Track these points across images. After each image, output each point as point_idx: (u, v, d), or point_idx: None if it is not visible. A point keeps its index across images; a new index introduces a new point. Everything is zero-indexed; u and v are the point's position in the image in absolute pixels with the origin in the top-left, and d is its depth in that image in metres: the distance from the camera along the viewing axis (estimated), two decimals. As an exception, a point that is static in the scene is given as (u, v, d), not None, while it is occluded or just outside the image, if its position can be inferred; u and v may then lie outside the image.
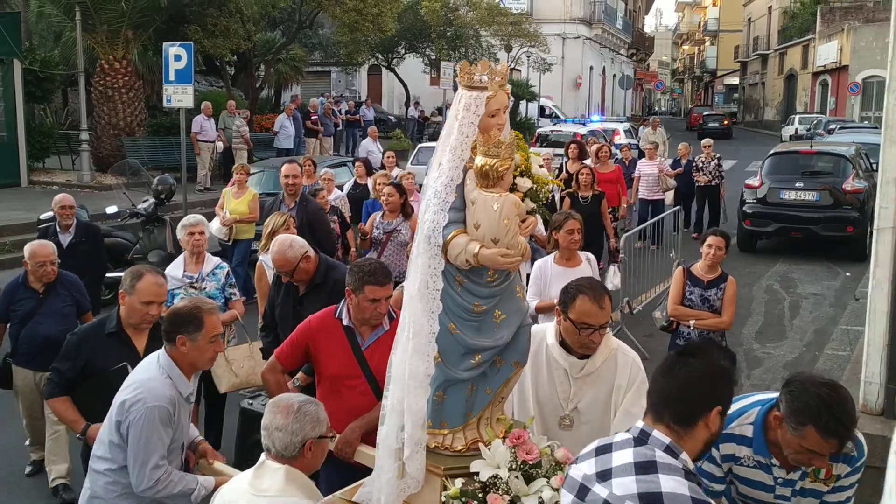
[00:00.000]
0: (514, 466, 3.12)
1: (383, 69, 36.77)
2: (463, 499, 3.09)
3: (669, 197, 14.80)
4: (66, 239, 7.75)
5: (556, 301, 5.12)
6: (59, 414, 4.49)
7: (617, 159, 15.41)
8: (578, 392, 3.52)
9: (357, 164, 11.86)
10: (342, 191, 11.08)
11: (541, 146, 21.79)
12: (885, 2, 38.54)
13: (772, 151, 15.88)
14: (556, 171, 12.70)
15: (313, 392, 4.27)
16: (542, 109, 36.08)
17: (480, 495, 3.09)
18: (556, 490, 3.01)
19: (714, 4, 77.39)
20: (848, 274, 12.97)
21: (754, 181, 14.66)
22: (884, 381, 5.53)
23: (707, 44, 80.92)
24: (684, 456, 2.30)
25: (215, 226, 10.09)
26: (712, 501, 2.22)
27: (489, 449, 3.17)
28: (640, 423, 2.38)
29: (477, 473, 3.14)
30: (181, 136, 15.36)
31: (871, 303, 5.57)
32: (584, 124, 27.11)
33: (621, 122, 31.33)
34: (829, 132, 28.62)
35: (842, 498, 3.10)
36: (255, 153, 20.84)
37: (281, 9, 25.44)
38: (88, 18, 19.67)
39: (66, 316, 5.84)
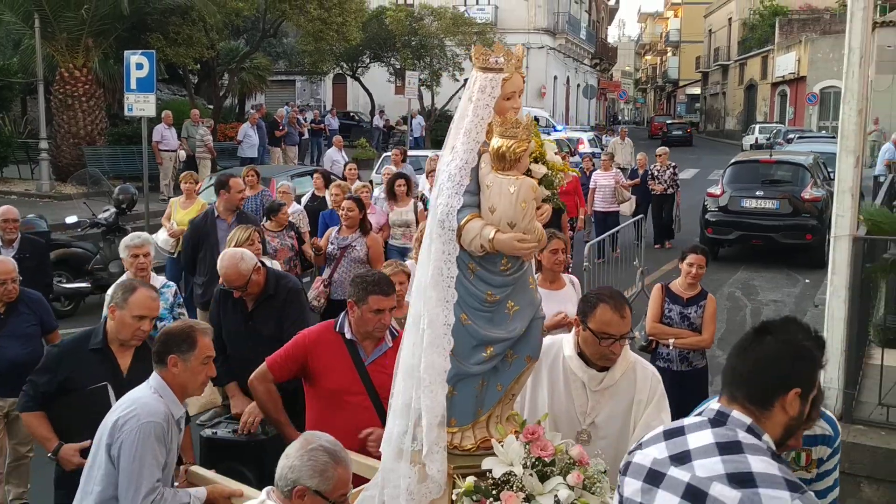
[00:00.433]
0: (528, 464, 2.99)
1: (348, 78, 36.71)
2: (476, 495, 2.96)
3: (625, 208, 14.66)
4: (8, 254, 6.97)
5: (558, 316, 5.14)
6: (32, 429, 4.23)
7: (579, 168, 15.43)
8: (596, 406, 3.40)
9: (315, 175, 11.51)
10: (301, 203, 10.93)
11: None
12: (840, 14, 39.33)
13: (733, 160, 16.10)
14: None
15: (302, 409, 4.18)
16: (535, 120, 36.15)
17: (495, 492, 2.95)
18: (573, 488, 2.94)
19: (675, 16, 78.45)
20: (807, 281, 13.18)
21: (716, 190, 14.85)
22: (842, 386, 5.63)
23: (669, 54, 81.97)
24: (767, 437, 2.16)
25: (162, 237, 9.70)
26: (803, 484, 2.07)
27: (502, 445, 3.04)
28: (714, 405, 2.25)
29: (489, 472, 3.00)
30: (143, 145, 15.18)
31: (828, 309, 5.67)
32: (548, 133, 27.27)
33: (585, 131, 31.55)
34: (788, 141, 29.13)
35: (829, 483, 3.06)
36: (218, 162, 20.68)
37: (244, 17, 25.32)
38: (48, 26, 19.40)
39: (31, 337, 5.44)
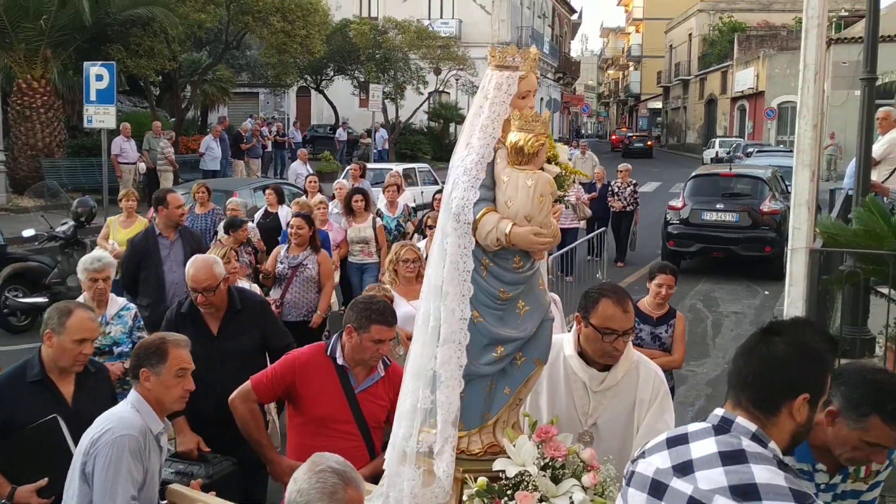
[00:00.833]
0: (541, 464, 2.90)
1: (312, 91, 36.62)
2: (488, 496, 2.86)
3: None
4: None
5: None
6: None
7: None
8: (598, 407, 3.29)
9: (267, 191, 10.99)
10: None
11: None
12: (797, 31, 40.12)
13: (693, 174, 16.31)
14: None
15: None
16: None
17: (509, 492, 2.85)
18: (587, 490, 2.87)
19: (637, 31, 79.45)
20: (767, 293, 13.36)
21: (677, 203, 15.03)
22: (800, 396, 5.69)
23: (631, 69, 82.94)
24: (773, 445, 2.04)
25: None
26: (812, 492, 1.99)
27: (514, 445, 2.95)
28: (719, 410, 2.13)
29: (502, 472, 2.90)
30: (102, 157, 15.00)
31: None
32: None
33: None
34: (748, 155, 29.63)
35: (875, 494, 2.95)
36: (181, 175, 20.49)
37: (207, 29, 25.18)
38: (5, 36, 19.12)
39: None
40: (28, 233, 11.11)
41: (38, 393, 3.81)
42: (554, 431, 2.98)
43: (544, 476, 2.87)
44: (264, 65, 29.54)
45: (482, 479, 2.87)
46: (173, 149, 20.34)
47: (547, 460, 2.90)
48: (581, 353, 3.30)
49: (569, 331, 3.52)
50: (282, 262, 7.51)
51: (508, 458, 2.94)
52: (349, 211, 9.63)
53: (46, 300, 9.97)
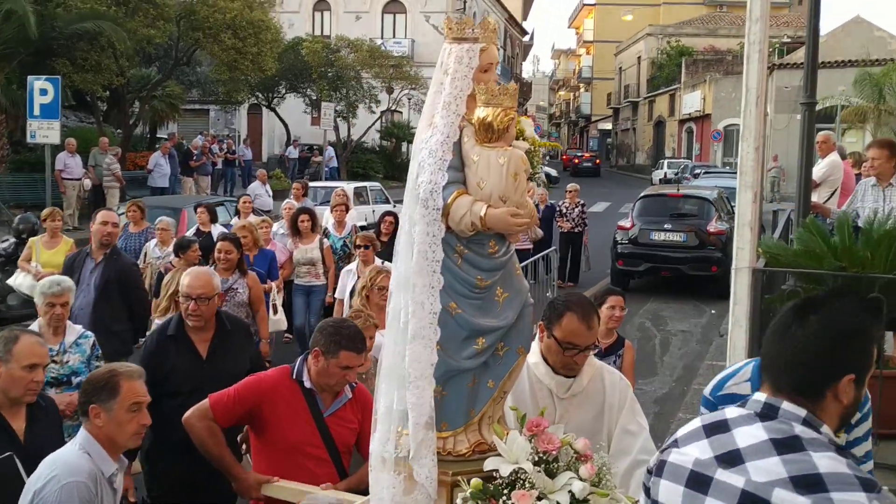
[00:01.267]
0: (536, 459, 2.72)
1: (264, 108, 36.40)
2: (483, 498, 2.67)
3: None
4: None
5: None
6: None
7: None
8: (565, 414, 3.20)
9: (199, 210, 10.40)
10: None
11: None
12: (741, 56, 41.07)
13: (642, 194, 16.55)
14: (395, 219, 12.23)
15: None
16: None
17: (506, 492, 2.67)
18: (586, 480, 2.71)
19: (588, 53, 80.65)
20: (713, 311, 13.58)
21: (626, 223, 15.22)
22: (744, 414, 5.78)
23: (582, 90, 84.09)
24: (826, 429, 1.87)
25: (26, 282, 8.56)
26: (875, 479, 1.82)
27: (505, 442, 2.77)
28: (759, 395, 1.94)
29: (495, 472, 2.72)
30: (46, 173, 14.69)
31: (730, 340, 5.83)
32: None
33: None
34: (695, 176, 30.20)
35: (861, 452, 2.87)
36: (128, 192, 20.15)
37: (157, 45, 24.89)
38: (-53, 49, 18.67)
39: None
40: (-34, 250, 10.80)
41: None
42: (545, 424, 2.82)
43: (539, 472, 2.71)
44: (215, 81, 29.27)
45: (476, 481, 2.70)
46: (119, 165, 19.99)
47: (541, 454, 2.73)
48: (546, 360, 3.24)
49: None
50: None
51: (499, 455, 2.77)
52: (295, 231, 9.40)
53: (-15, 320, 9.71)
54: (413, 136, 15.71)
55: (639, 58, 60.22)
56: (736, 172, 6.47)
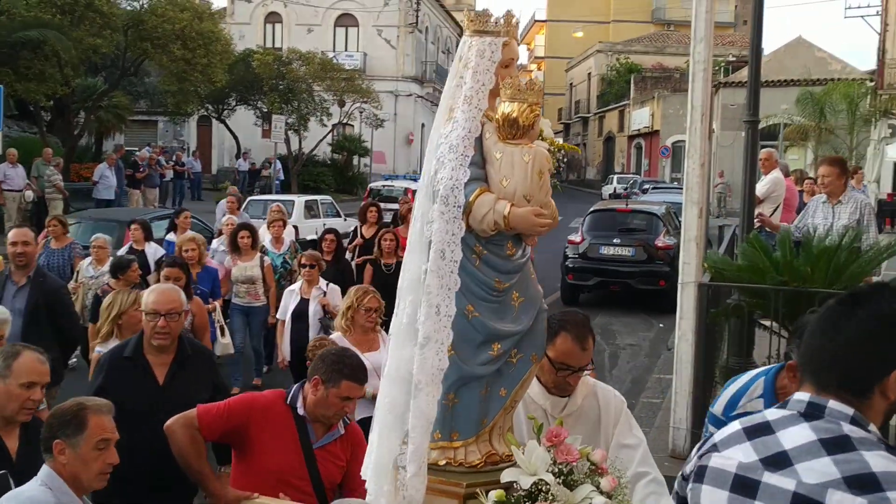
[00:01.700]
0: (556, 471, 2.62)
1: (213, 120, 36.02)
2: None
3: None
4: None
5: None
6: None
7: None
8: None
9: (133, 226, 9.68)
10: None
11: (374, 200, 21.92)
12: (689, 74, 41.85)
13: (591, 209, 16.72)
14: (351, 234, 11.51)
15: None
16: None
17: (527, 503, 2.57)
18: (607, 494, 2.63)
19: (539, 69, 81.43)
20: (662, 325, 13.74)
21: (576, 237, 15.35)
22: (690, 426, 5.86)
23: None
24: (873, 428, 1.80)
25: None
26: None
27: (523, 452, 2.66)
28: (801, 395, 1.86)
29: (515, 484, 2.60)
30: (-14, 184, 14.32)
31: (677, 353, 5.92)
32: (415, 180, 27.56)
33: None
34: (644, 191, 30.65)
35: None
36: (72, 204, 19.71)
37: (103, 54, 24.47)
38: None
39: None
40: None
41: None
42: (564, 434, 2.72)
43: (559, 484, 2.61)
44: (163, 92, 28.87)
45: (499, 492, 2.59)
46: (61, 176, 19.57)
47: (561, 466, 2.63)
48: (538, 379, 3.16)
49: None
50: None
51: (516, 467, 2.67)
52: (234, 248, 8.94)
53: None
54: (365, 149, 15.76)
55: (589, 74, 61.01)
56: (682, 188, 6.57)
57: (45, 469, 2.98)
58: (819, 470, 1.71)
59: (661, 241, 14.71)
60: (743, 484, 1.80)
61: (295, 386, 3.70)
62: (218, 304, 8.05)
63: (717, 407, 3.07)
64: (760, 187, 9.42)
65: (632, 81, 50.46)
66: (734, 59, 41.95)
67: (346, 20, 41.95)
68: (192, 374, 4.17)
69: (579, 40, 63.75)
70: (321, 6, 41.11)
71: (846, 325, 1.83)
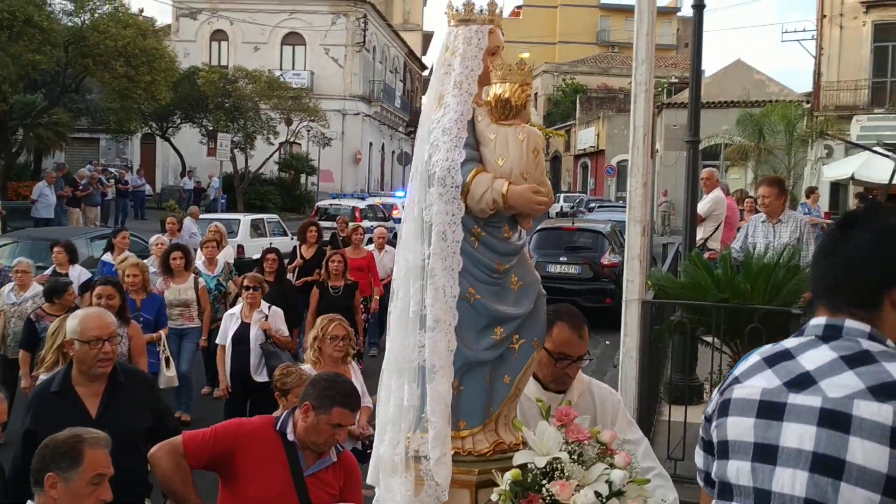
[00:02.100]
0: (569, 450, 2.60)
1: (158, 138, 35.51)
2: (521, 490, 2.50)
3: None
4: None
5: None
6: None
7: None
8: None
9: (56, 249, 9.18)
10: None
11: (320, 219, 21.79)
12: (633, 94, 42.65)
13: (538, 227, 16.84)
14: (290, 255, 10.86)
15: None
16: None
17: (544, 482, 2.51)
18: (624, 469, 2.61)
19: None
20: (608, 342, 13.86)
21: (523, 255, 15.45)
22: (635, 443, 5.90)
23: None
24: (890, 342, 1.82)
25: None
26: None
27: (534, 433, 2.62)
28: (817, 320, 1.88)
29: (530, 465, 2.57)
30: (-82, 203, 13.89)
31: (622, 369, 5.97)
32: (363, 198, 27.51)
33: (401, 198, 32.11)
34: (590, 210, 31.03)
35: None
36: (9, 223, 19.22)
37: (43, 71, 23.98)
38: None
39: None
40: None
41: None
42: (574, 413, 2.70)
43: (574, 462, 2.59)
44: (105, 110, 28.40)
45: (515, 470, 2.55)
46: None
47: (573, 445, 2.61)
48: (534, 376, 3.14)
49: None
50: None
51: (528, 450, 2.64)
52: (167, 270, 8.59)
53: None
54: (312, 168, 15.45)
55: (536, 94, 61.75)
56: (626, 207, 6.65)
57: None
58: (843, 384, 1.73)
59: (607, 258, 14.89)
60: (769, 408, 1.80)
61: (285, 412, 3.59)
62: (164, 332, 7.64)
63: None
64: (702, 206, 9.61)
65: (578, 102, 51.20)
66: (677, 80, 42.89)
67: (293, 39, 41.82)
68: (128, 401, 3.94)
69: (526, 61, 64.48)
70: (268, 24, 40.94)
71: (845, 245, 1.87)
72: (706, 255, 8.02)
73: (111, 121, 28.88)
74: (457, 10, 2.86)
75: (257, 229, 19.15)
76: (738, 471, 1.84)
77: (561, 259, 15.06)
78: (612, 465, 2.63)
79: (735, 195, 13.56)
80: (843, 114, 29.42)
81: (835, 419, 1.71)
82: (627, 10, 56.14)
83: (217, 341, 7.47)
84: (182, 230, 15.71)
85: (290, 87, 34.37)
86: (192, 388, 8.71)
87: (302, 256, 10.45)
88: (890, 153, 24.48)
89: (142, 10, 32.19)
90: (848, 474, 1.68)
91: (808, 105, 30.51)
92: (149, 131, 34.31)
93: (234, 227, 18.04)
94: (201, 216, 19.16)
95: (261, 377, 6.94)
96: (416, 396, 2.67)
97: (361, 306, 9.12)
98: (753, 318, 5.64)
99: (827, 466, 1.70)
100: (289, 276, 10.06)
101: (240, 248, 17.84)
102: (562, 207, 38.77)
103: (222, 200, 27.94)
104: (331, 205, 24.96)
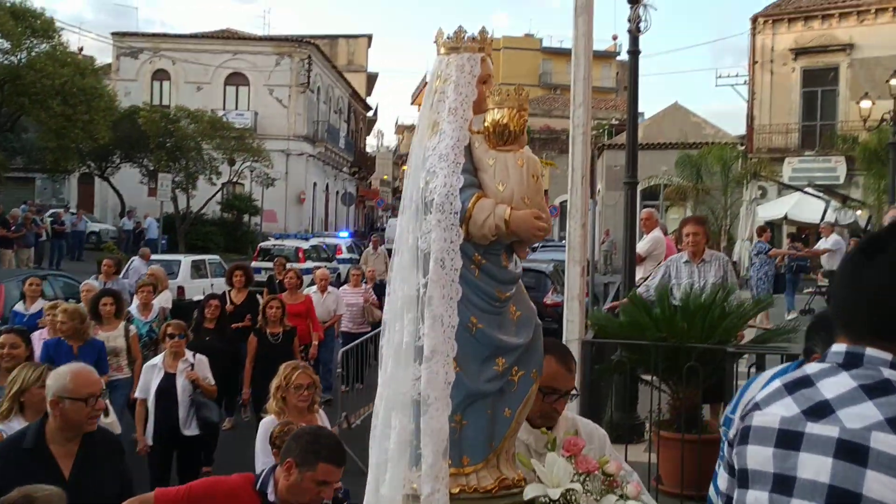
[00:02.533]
0: (581, 480, 2.56)
1: (97, 178, 34.89)
2: None
3: None
4: None
5: None
6: None
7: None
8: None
9: None
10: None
11: (262, 260, 21.57)
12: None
13: (481, 267, 16.93)
14: (220, 300, 9.83)
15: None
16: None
17: None
18: (636, 499, 2.58)
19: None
20: (551, 381, 13.90)
21: (467, 295, 15.47)
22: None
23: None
24: None
25: None
26: None
27: (543, 465, 2.57)
28: (837, 347, 1.82)
29: (544, 497, 2.50)
30: None
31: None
32: (306, 239, 27.33)
33: (345, 239, 31.96)
34: (534, 250, 31.25)
35: None
36: (-63, 265, 18.64)
37: (-23, 109, 23.49)
38: None
39: None
40: None
41: None
42: (582, 443, 2.68)
43: (587, 492, 2.54)
44: (42, 149, 27.83)
45: (534, 484, 2.50)
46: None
47: (583, 476, 2.57)
48: None
49: None
50: None
51: (538, 484, 2.58)
52: (95, 316, 7.99)
53: None
54: (255, 208, 14.91)
55: (479, 135, 62.37)
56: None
57: None
58: (861, 414, 1.68)
59: (550, 298, 15.01)
60: (786, 437, 1.76)
61: (266, 470, 3.43)
62: (104, 380, 7.35)
63: (731, 409, 3.06)
64: (642, 246, 9.76)
65: (520, 143, 51.84)
66: (617, 121, 43.78)
67: (236, 79, 41.72)
68: (100, 464, 3.75)
69: (523, 87, 65.24)
70: (211, 64, 40.79)
71: (868, 272, 1.81)
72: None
73: (47, 160, 28.31)
74: (447, 38, 2.85)
75: (199, 270, 18.89)
76: (757, 501, 1.79)
77: (504, 299, 15.14)
78: (624, 496, 2.60)
79: (674, 234, 13.82)
80: (776, 156, 30.39)
81: (852, 451, 1.66)
82: (568, 54, 57.42)
83: (137, 394, 7.04)
84: (131, 271, 15.35)
85: (234, 126, 34.19)
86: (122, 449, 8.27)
87: (232, 302, 9.88)
88: (821, 194, 25.36)
89: (81, 49, 31.88)
90: None
91: (743, 147, 31.43)
92: (87, 171, 33.68)
93: (174, 269, 17.75)
94: (135, 257, 18.84)
95: (190, 431, 6.65)
96: (408, 431, 2.61)
97: (300, 354, 8.71)
98: (691, 356, 5.73)
99: (842, 500, 1.65)
100: None
101: (180, 289, 17.57)
102: (506, 247, 39.10)
103: (163, 241, 27.46)
104: (274, 245, 24.74)
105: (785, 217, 25.36)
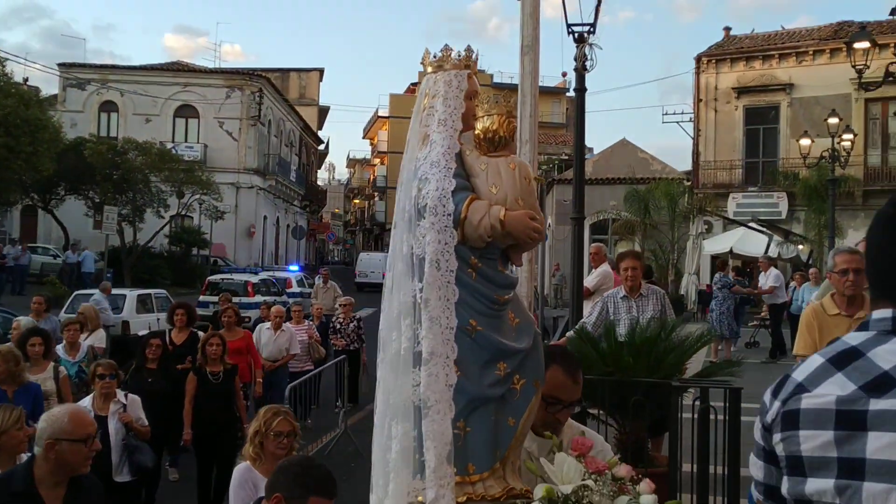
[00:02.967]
0: (592, 478, 2.53)
1: (40, 210, 34.16)
2: None
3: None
4: None
5: None
6: None
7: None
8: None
9: None
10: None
11: (210, 294, 21.27)
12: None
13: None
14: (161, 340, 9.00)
15: None
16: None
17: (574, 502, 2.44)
18: (651, 494, 2.56)
19: (382, 163, 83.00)
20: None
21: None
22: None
23: (377, 198, 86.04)
24: None
25: None
26: None
27: (553, 464, 2.55)
28: (879, 313, 1.67)
29: (557, 492, 2.47)
30: None
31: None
32: (256, 273, 27.05)
33: (295, 273, 31.65)
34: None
35: None
36: None
37: (-85, 140, 22.90)
38: None
39: None
40: None
41: None
42: (589, 444, 2.66)
43: (600, 490, 2.51)
44: (-17, 181, 27.19)
45: (547, 486, 2.45)
46: None
47: (593, 476, 2.56)
48: None
49: None
50: None
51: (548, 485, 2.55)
52: (23, 358, 7.30)
53: None
54: (204, 241, 14.52)
55: (431, 169, 62.74)
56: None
57: None
58: None
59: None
60: (848, 417, 1.58)
61: None
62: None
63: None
64: (590, 280, 9.84)
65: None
66: (567, 157, 44.39)
67: (186, 111, 41.41)
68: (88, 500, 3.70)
69: (509, 94, 65.62)
70: (160, 97, 40.44)
71: None
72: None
73: (-12, 192, 27.66)
74: (434, 57, 2.93)
75: (144, 305, 18.53)
76: (820, 489, 1.62)
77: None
78: (638, 494, 2.58)
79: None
80: (721, 191, 31.12)
81: None
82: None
83: None
84: (92, 302, 14.64)
85: (183, 159, 33.85)
86: None
87: (172, 342, 9.39)
88: (764, 228, 25.96)
89: (26, 80, 31.34)
90: None
91: (689, 182, 32.12)
92: (30, 203, 32.98)
93: (119, 303, 17.40)
94: (84, 292, 18.44)
95: (122, 477, 6.32)
96: (410, 437, 2.56)
97: (241, 392, 8.33)
98: (637, 390, 5.78)
99: None
100: None
101: (125, 324, 17.21)
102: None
103: (108, 275, 26.91)
104: (223, 279, 24.42)
105: (730, 251, 25.89)
